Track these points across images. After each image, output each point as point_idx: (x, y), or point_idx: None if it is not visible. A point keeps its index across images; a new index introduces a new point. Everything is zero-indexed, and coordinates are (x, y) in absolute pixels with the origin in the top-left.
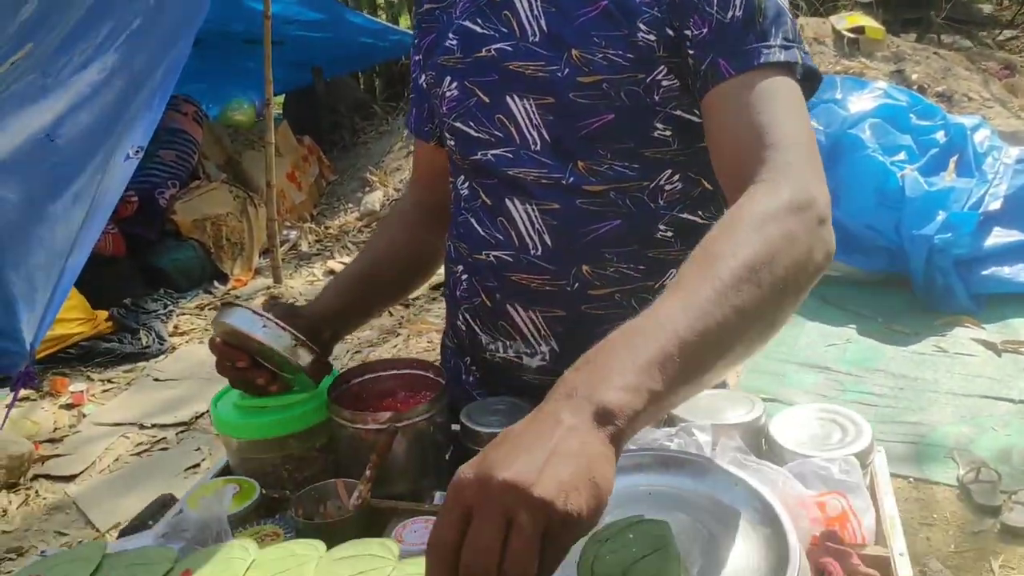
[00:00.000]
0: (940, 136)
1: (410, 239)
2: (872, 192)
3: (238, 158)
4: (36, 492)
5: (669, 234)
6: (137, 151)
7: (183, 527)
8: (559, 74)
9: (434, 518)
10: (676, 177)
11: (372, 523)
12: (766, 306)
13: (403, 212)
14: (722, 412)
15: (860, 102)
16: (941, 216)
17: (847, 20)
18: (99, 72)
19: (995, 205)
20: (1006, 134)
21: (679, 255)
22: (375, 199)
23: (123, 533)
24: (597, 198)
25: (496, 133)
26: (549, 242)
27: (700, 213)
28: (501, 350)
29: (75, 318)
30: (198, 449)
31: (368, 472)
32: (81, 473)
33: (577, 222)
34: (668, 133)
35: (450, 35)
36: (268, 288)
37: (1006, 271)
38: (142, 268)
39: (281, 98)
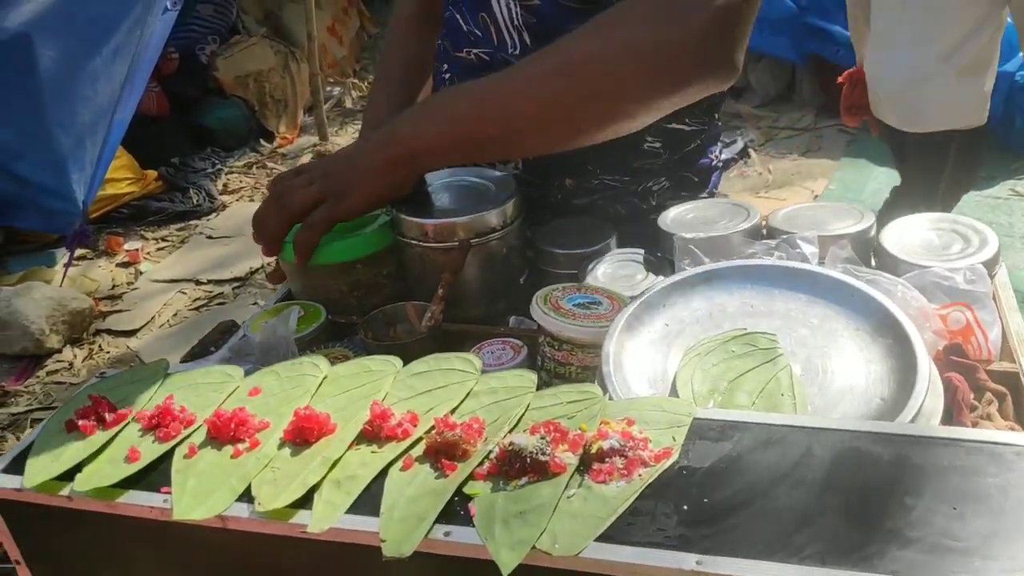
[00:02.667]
0: None
1: (421, 45)
2: None
3: (277, 11)
4: (99, 346)
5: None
6: (175, 3)
7: (247, 350)
8: None
9: (510, 340)
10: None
11: (445, 346)
12: (577, 99)
13: (407, 19)
14: (828, 223)
15: None
16: (1022, 53)
17: None
18: None
19: None
20: None
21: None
22: None
23: (185, 359)
24: None
25: (476, 31)
26: (528, 40)
27: (687, 120)
28: None
29: (125, 178)
30: (255, 303)
31: (440, 291)
32: (142, 328)
33: (557, 19)
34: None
35: None
36: (314, 146)
37: None
38: (188, 127)
39: None
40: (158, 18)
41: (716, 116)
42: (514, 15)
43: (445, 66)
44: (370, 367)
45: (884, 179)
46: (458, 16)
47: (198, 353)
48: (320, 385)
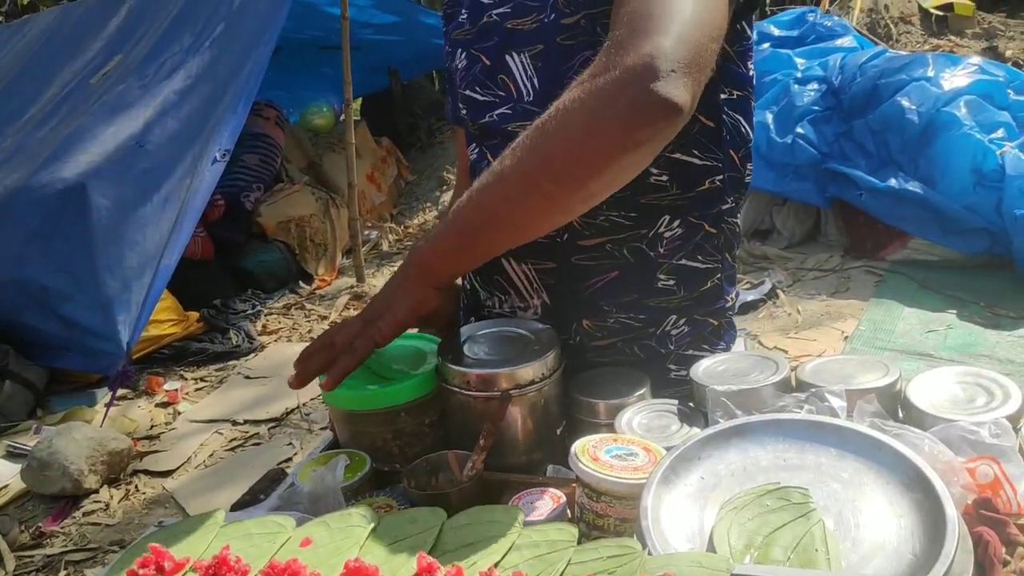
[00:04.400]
0: None
1: None
2: (969, 172)
3: (319, 161)
4: (136, 487)
5: (663, 178)
6: (224, 154)
7: (295, 499)
8: (546, 20)
9: (549, 489)
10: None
11: (485, 495)
12: (546, 164)
13: (464, 167)
14: (855, 377)
15: (954, 79)
16: None
17: None
18: (185, 79)
19: None
20: None
21: (674, 201)
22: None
23: (235, 507)
24: None
25: (499, 93)
26: None
27: (697, 153)
28: (497, 305)
29: (168, 319)
30: (290, 444)
31: (482, 441)
32: (178, 468)
33: None
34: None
35: (463, 11)
36: (351, 287)
37: None
38: (230, 270)
39: (359, 101)
40: (207, 168)
41: (729, 256)
42: None
43: None
44: (416, 518)
45: (914, 319)
46: (488, 155)
47: (248, 501)
48: (369, 536)
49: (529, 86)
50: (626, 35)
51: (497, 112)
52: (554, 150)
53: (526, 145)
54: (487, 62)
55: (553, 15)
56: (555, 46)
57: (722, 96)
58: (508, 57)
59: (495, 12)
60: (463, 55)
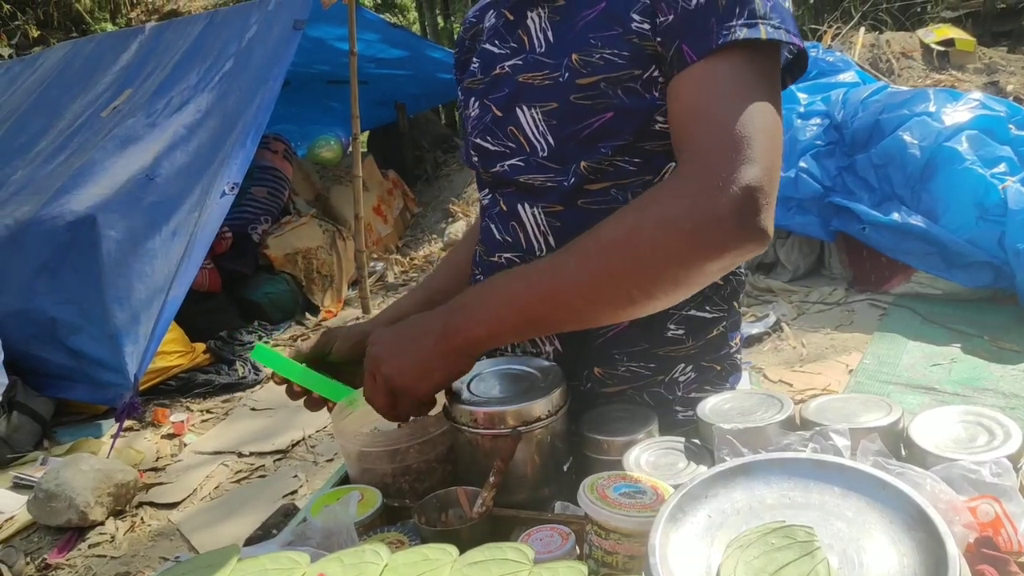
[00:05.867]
0: None
1: (467, 251)
2: (972, 206)
3: (326, 193)
4: (141, 519)
5: None
6: (233, 187)
7: (308, 535)
8: (560, 79)
9: (559, 526)
10: None
11: (494, 532)
12: (611, 276)
13: (474, 230)
14: (858, 416)
15: (955, 114)
16: None
17: (935, 33)
18: (195, 113)
19: None
20: None
21: None
22: (458, 229)
23: (248, 542)
24: (598, 196)
25: (509, 144)
26: (553, 244)
27: (707, 308)
28: (510, 348)
29: (175, 351)
30: (295, 476)
31: (492, 478)
32: (183, 500)
33: (579, 223)
34: (668, 126)
35: (475, 59)
36: (356, 319)
37: None
38: (237, 301)
39: (366, 135)
40: (216, 201)
41: (736, 304)
42: (540, 222)
43: (479, 270)
44: (428, 555)
45: (918, 353)
46: (492, 226)
47: (261, 536)
48: (382, 573)
49: (543, 141)
50: (719, 160)
51: (508, 163)
52: (645, 260)
53: (611, 245)
54: (498, 113)
55: (568, 74)
56: (570, 105)
57: None
58: (519, 110)
59: (507, 64)
60: (475, 104)
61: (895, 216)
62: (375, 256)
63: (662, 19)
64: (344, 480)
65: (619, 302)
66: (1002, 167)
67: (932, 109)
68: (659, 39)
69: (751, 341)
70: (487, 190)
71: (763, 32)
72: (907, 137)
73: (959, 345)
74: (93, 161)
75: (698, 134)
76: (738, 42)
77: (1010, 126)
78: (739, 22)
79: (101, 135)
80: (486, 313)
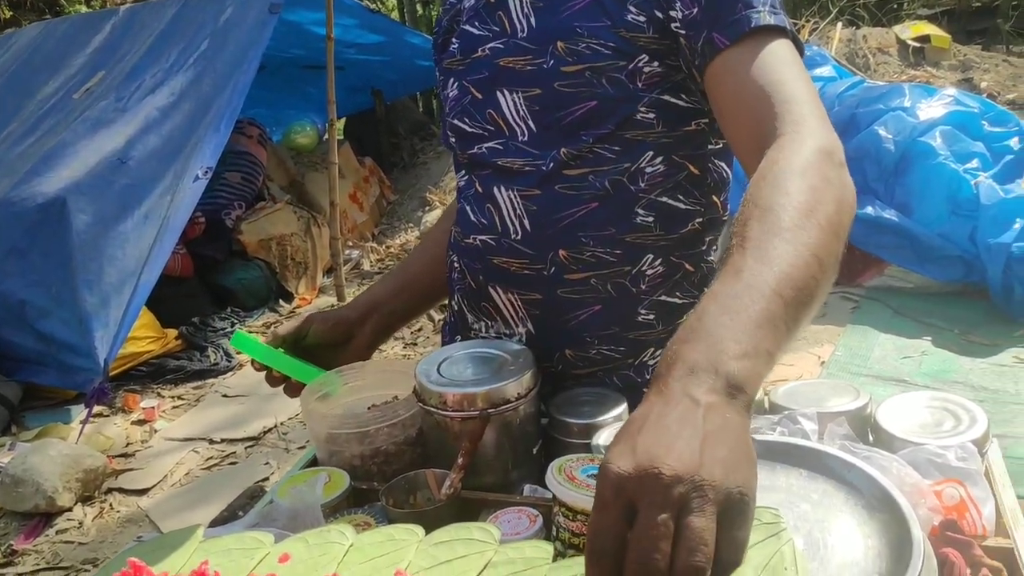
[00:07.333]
0: (1014, 143)
1: (442, 232)
2: (944, 201)
3: (301, 180)
4: (110, 505)
5: (649, 219)
6: (206, 171)
7: (274, 516)
8: (544, 66)
9: (526, 509)
10: (659, 160)
11: (463, 514)
12: (829, 247)
13: (450, 214)
14: (826, 400)
15: (929, 109)
16: (1019, 224)
17: (911, 30)
18: (168, 96)
19: None
20: None
21: (657, 240)
22: (434, 218)
23: (214, 523)
24: (576, 182)
25: (488, 127)
26: (528, 227)
27: (682, 198)
28: (484, 330)
29: (146, 336)
30: (267, 463)
31: (460, 460)
32: (153, 487)
33: (555, 207)
34: (651, 116)
35: (454, 40)
36: (331, 306)
37: None
38: (210, 287)
39: (342, 121)
40: (188, 185)
41: (705, 290)
42: (516, 205)
43: (453, 253)
44: (394, 536)
45: (889, 345)
46: (468, 208)
47: (227, 517)
48: (347, 553)
49: (524, 126)
50: (818, 126)
51: (486, 145)
52: (837, 224)
53: (817, 210)
54: (477, 95)
55: (553, 61)
56: (553, 92)
57: (710, 146)
58: (500, 93)
59: (487, 47)
60: (454, 84)
61: (869, 209)
62: (351, 244)
63: (686, 13)
64: (313, 463)
65: (830, 274)
66: (975, 163)
67: (907, 104)
68: (684, 32)
69: None
70: (463, 172)
71: (786, 23)
72: (882, 132)
73: (930, 338)
74: (64, 143)
75: (790, 106)
76: (769, 26)
77: (983, 122)
78: (765, 8)
79: (73, 117)
80: (753, 343)
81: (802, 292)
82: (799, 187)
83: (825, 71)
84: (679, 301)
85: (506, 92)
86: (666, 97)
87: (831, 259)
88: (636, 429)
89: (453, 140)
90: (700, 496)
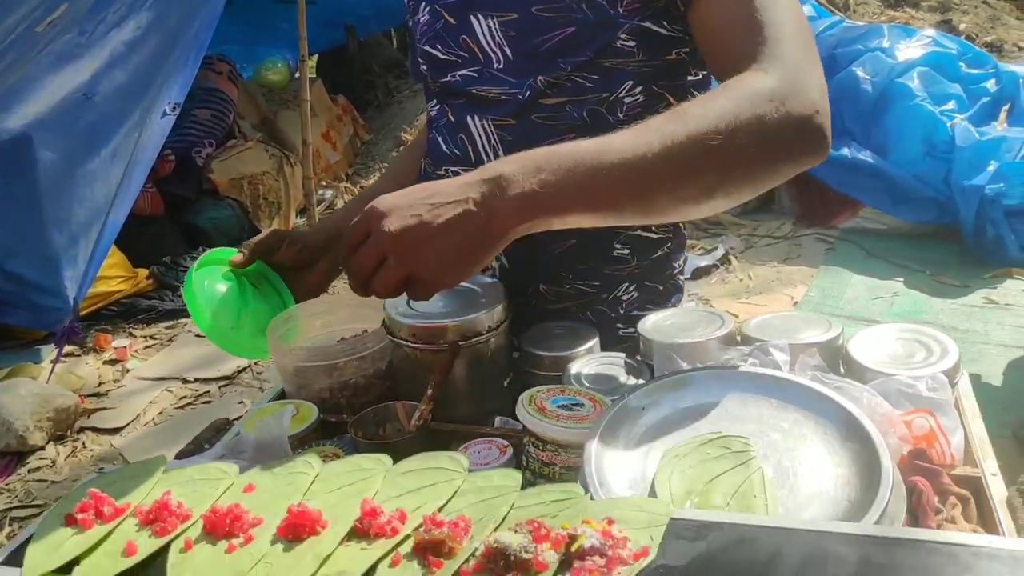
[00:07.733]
0: (991, 85)
1: (419, 145)
2: (920, 142)
3: (273, 118)
4: (83, 444)
5: None
6: (174, 107)
7: (240, 448)
8: None
9: (496, 439)
10: (638, 89)
11: (433, 446)
12: (705, 169)
13: (419, 142)
14: (799, 332)
15: (908, 50)
16: (992, 166)
17: None
18: (134, 30)
19: None
20: None
21: None
22: None
23: (179, 455)
24: (553, 111)
25: (461, 53)
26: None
27: (654, 228)
28: None
29: (116, 276)
30: (241, 402)
31: (429, 392)
32: (126, 426)
33: (531, 137)
34: (631, 44)
35: None
36: None
37: None
38: (181, 227)
39: (314, 58)
40: (156, 122)
41: (682, 225)
42: (490, 135)
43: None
44: (361, 465)
45: (861, 287)
46: (439, 138)
47: (192, 450)
48: (313, 482)
49: (499, 53)
50: (800, 62)
51: (459, 73)
52: (736, 160)
53: (701, 141)
54: (451, 20)
55: None
56: (530, 16)
57: (690, 77)
58: (473, 18)
59: None
60: (426, 9)
61: (845, 151)
62: (324, 183)
63: None
64: (281, 397)
65: (688, 195)
66: (951, 104)
67: (886, 45)
68: None
69: (699, 273)
70: (435, 101)
71: None
72: (860, 72)
73: (902, 279)
74: (28, 78)
75: (769, 42)
76: None
77: (961, 64)
78: None
79: (36, 51)
80: (560, 201)
81: (630, 175)
82: (718, 110)
83: (805, 10)
84: (654, 236)
85: (481, 17)
86: (647, 24)
87: (696, 177)
88: (418, 189)
89: (424, 67)
90: (397, 261)
